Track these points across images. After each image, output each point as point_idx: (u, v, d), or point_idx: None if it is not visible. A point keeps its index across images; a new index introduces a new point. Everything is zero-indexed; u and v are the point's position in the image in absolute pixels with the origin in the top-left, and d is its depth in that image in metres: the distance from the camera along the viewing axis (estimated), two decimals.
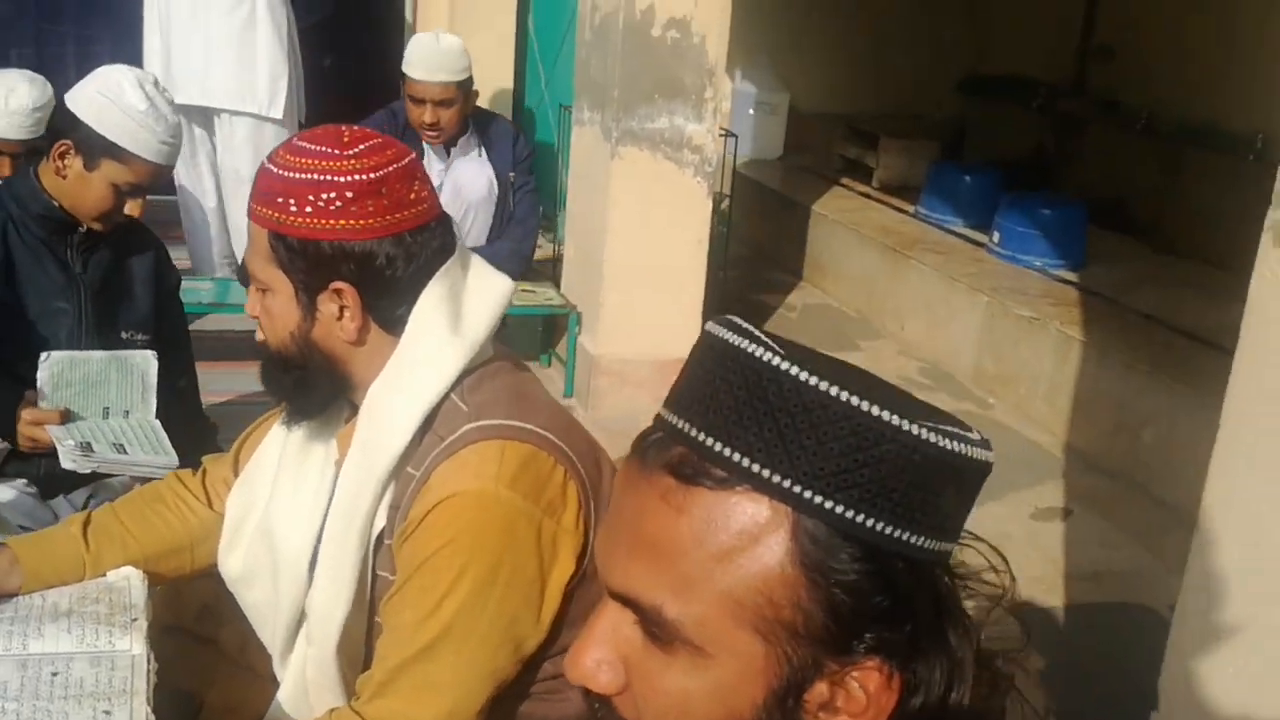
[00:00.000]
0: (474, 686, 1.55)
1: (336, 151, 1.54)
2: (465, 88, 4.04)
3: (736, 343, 0.78)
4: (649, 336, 4.07)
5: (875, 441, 0.74)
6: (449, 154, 4.21)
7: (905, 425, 0.75)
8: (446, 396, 1.59)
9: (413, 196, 1.57)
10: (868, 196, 6.31)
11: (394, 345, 1.61)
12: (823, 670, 0.78)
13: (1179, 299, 4.72)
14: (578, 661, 0.82)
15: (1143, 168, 5.99)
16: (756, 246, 6.27)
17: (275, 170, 1.55)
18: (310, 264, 1.56)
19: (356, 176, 1.53)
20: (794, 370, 0.75)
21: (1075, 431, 4.28)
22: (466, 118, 4.14)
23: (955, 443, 0.77)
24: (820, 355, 0.79)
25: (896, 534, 0.75)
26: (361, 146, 1.56)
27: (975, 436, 0.79)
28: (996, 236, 5.32)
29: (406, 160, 1.58)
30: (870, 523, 0.75)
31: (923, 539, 0.76)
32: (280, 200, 1.53)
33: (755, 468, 0.75)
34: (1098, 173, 6.29)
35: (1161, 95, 5.81)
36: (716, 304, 4.33)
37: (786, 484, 0.74)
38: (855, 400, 0.74)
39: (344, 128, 1.61)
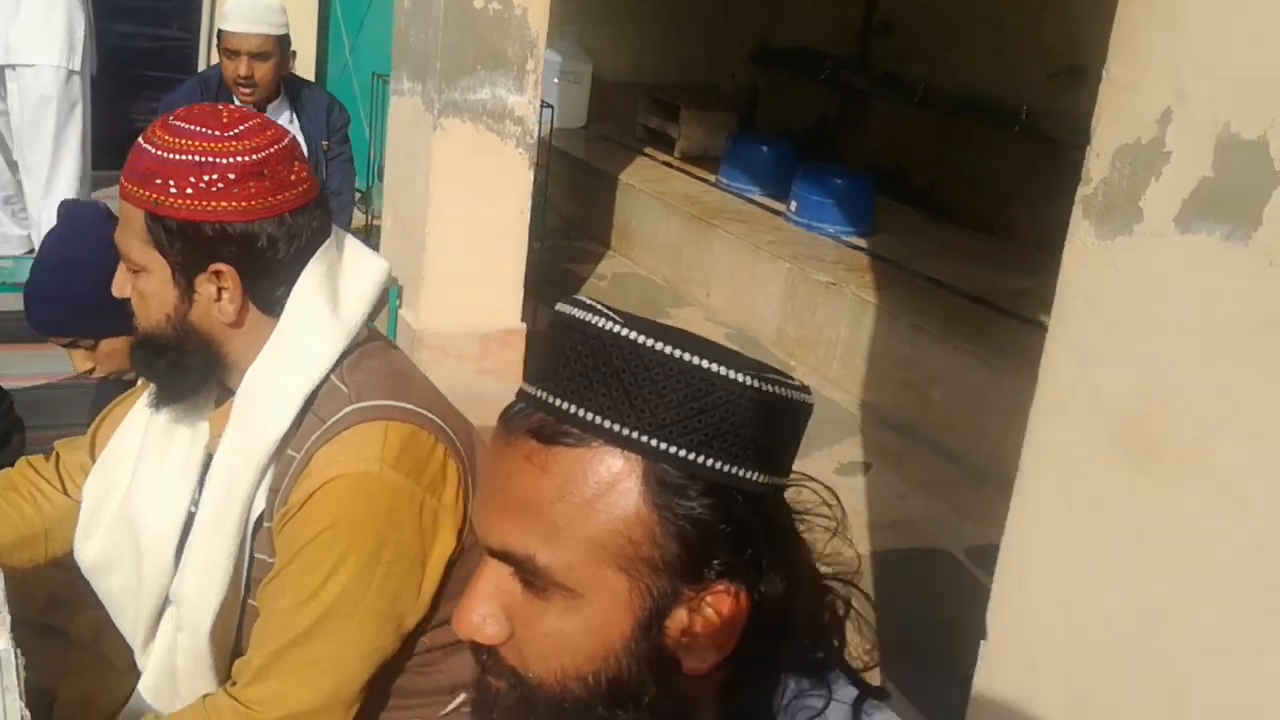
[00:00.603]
0: (356, 666, 1.57)
1: (216, 133, 1.52)
2: (283, 44, 3.96)
3: (581, 316, 0.87)
4: (471, 309, 4.11)
5: (707, 391, 0.85)
6: None
7: (733, 375, 0.86)
8: (326, 378, 1.58)
9: (293, 177, 1.56)
10: (670, 166, 6.47)
11: (272, 327, 1.59)
12: (680, 598, 0.87)
13: (960, 264, 5.05)
14: (465, 618, 0.90)
15: (920, 138, 6.33)
16: (565, 216, 6.35)
17: (152, 150, 1.51)
18: (189, 246, 1.53)
19: (238, 158, 1.51)
20: (632, 335, 0.85)
21: (870, 390, 4.53)
22: (280, 81, 4.06)
23: (778, 388, 0.88)
24: (655, 323, 0.89)
25: (732, 470, 0.85)
26: (242, 127, 1.54)
27: (795, 382, 0.91)
28: (794, 205, 5.55)
29: (286, 140, 1.57)
30: (709, 462, 0.85)
31: (755, 474, 0.87)
32: (159, 181, 1.50)
33: (606, 424, 0.84)
34: (880, 142, 6.62)
35: (937, 69, 6.15)
36: (533, 276, 4.39)
37: (634, 435, 0.84)
38: (688, 356, 0.85)
39: (221, 107, 1.59)
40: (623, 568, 0.86)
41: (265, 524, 1.58)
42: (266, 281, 1.56)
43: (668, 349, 0.84)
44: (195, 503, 1.65)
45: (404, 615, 1.58)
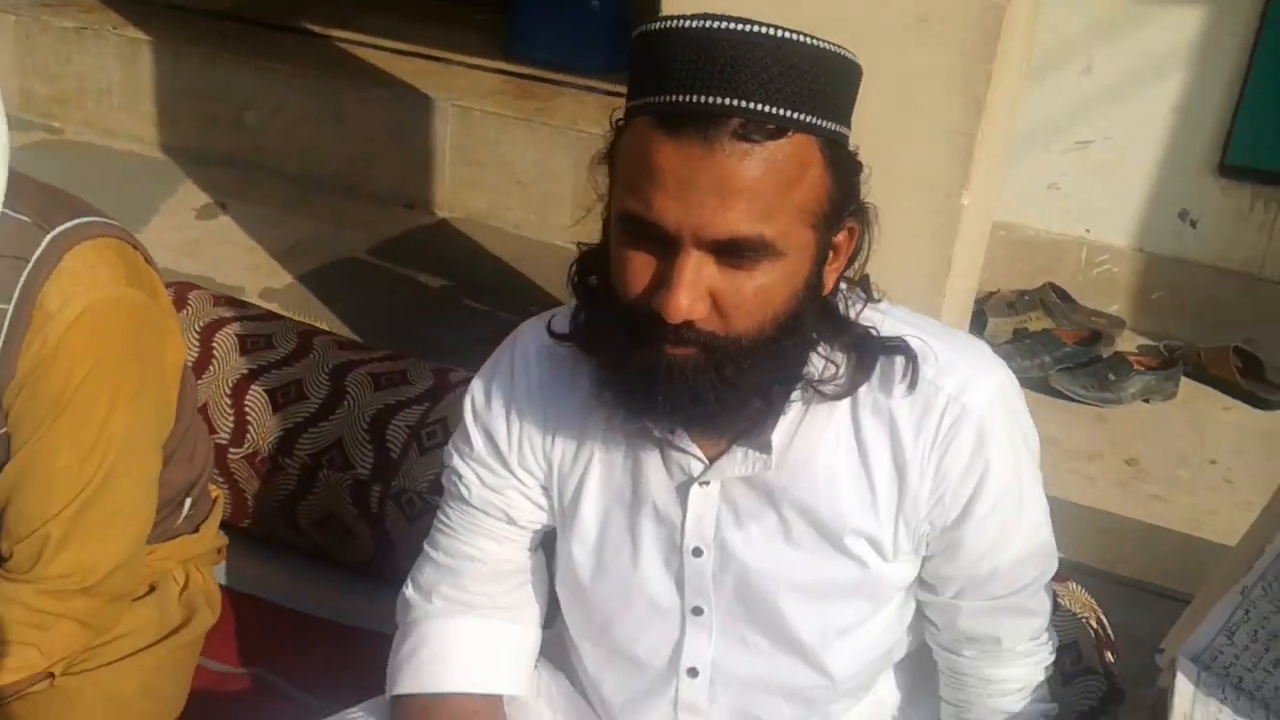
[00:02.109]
0: (148, 500, 1.54)
1: None
2: None
3: (739, 27, 1.05)
4: None
5: (845, 70, 1.10)
6: None
7: (838, 50, 1.09)
8: None
9: None
10: None
11: None
12: (833, 238, 1.18)
13: None
14: (675, 305, 1.07)
15: None
16: None
17: None
18: None
19: None
20: (788, 34, 1.06)
21: (171, 133, 4.44)
22: None
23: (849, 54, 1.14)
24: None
25: (846, 131, 1.14)
26: None
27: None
28: None
29: None
30: (844, 130, 1.13)
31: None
32: None
33: (793, 114, 1.07)
34: None
35: None
36: None
37: (813, 120, 1.08)
38: (822, 44, 1.07)
39: None
40: (813, 225, 1.11)
41: None
42: None
43: (806, 40, 1.06)
44: None
45: (165, 428, 1.59)
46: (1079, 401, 3.07)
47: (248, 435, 2.12)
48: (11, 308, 1.36)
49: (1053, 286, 3.41)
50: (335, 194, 4.14)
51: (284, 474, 2.11)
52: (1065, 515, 2.49)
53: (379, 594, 2.09)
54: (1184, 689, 1.35)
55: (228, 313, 2.27)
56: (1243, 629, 1.38)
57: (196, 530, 1.78)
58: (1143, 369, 3.12)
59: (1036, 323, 3.29)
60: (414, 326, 3.34)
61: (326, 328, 3.01)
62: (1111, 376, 3.06)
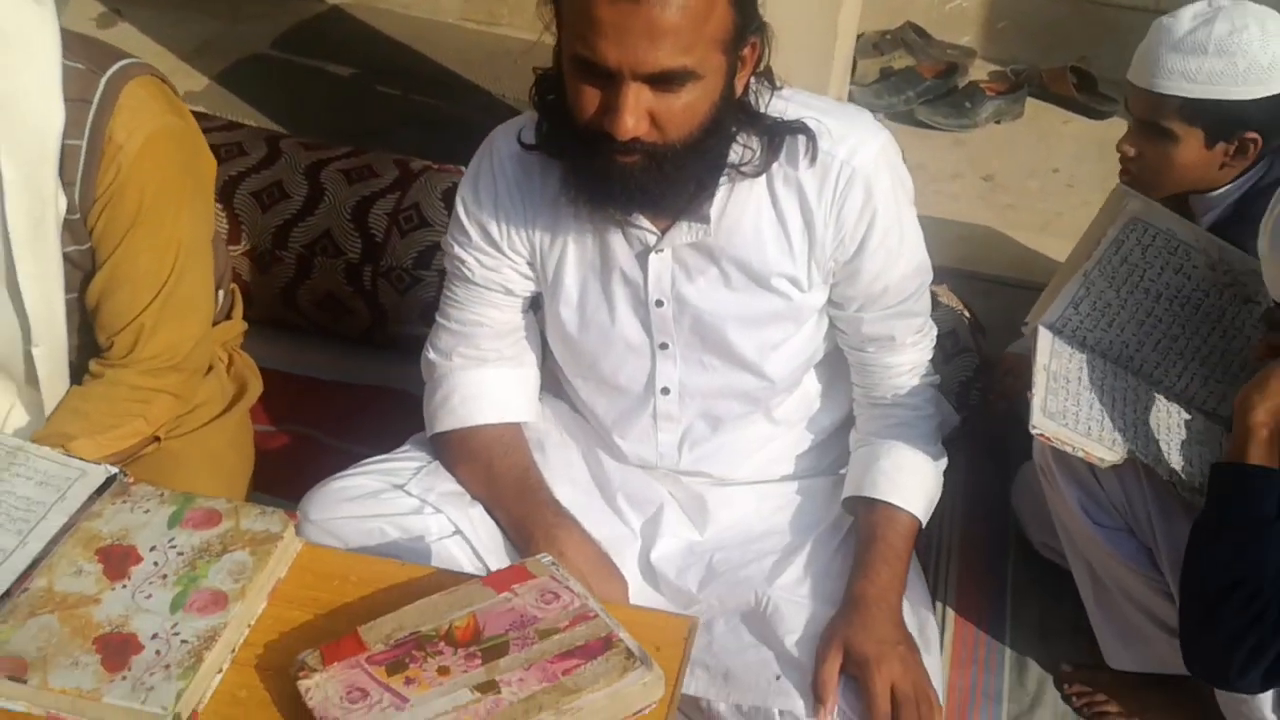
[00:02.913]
0: (210, 287, 1.91)
1: None
2: None
3: None
4: None
5: None
6: None
7: None
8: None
9: None
10: None
11: None
12: (740, 54, 1.47)
13: None
14: (623, 127, 1.39)
15: None
16: None
17: None
18: None
19: None
20: None
21: None
22: None
23: None
24: None
25: None
26: None
27: None
28: None
29: None
30: None
31: None
32: None
33: None
34: None
35: None
36: None
37: None
38: None
39: None
40: (723, 50, 1.42)
41: (70, 217, 1.69)
42: None
43: None
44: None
45: (211, 232, 1.92)
46: (940, 130, 3.53)
47: (243, 233, 2.47)
48: (85, 143, 1.66)
49: (911, 25, 3.81)
50: None
51: (282, 264, 2.49)
52: (935, 229, 3.01)
53: (379, 356, 2.53)
54: (1044, 345, 1.84)
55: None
56: (1085, 302, 1.88)
57: (229, 317, 2.14)
58: (993, 94, 3.58)
59: (900, 61, 3.71)
60: (336, 116, 3.61)
61: (257, 125, 3.34)
62: (967, 104, 3.52)
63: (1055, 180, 3.38)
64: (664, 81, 1.42)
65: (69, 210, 1.68)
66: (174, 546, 1.39)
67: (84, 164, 1.66)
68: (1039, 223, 3.13)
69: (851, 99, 3.60)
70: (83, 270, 1.75)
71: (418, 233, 2.43)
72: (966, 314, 2.33)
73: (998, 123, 3.57)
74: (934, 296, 2.25)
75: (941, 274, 2.59)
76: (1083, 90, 3.64)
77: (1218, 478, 1.54)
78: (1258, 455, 1.47)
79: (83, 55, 1.68)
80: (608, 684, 1.22)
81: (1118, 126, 3.54)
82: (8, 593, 1.34)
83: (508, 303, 1.79)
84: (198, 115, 2.68)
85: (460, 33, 4.16)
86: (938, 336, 1.89)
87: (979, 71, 3.81)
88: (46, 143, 1.63)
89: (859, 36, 3.80)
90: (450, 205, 2.35)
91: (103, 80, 1.67)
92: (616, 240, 1.67)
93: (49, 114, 1.62)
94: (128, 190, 1.69)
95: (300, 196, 2.48)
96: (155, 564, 1.36)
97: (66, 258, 1.72)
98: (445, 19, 4.21)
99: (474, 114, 3.63)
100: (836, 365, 1.85)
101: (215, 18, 4.16)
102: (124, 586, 1.34)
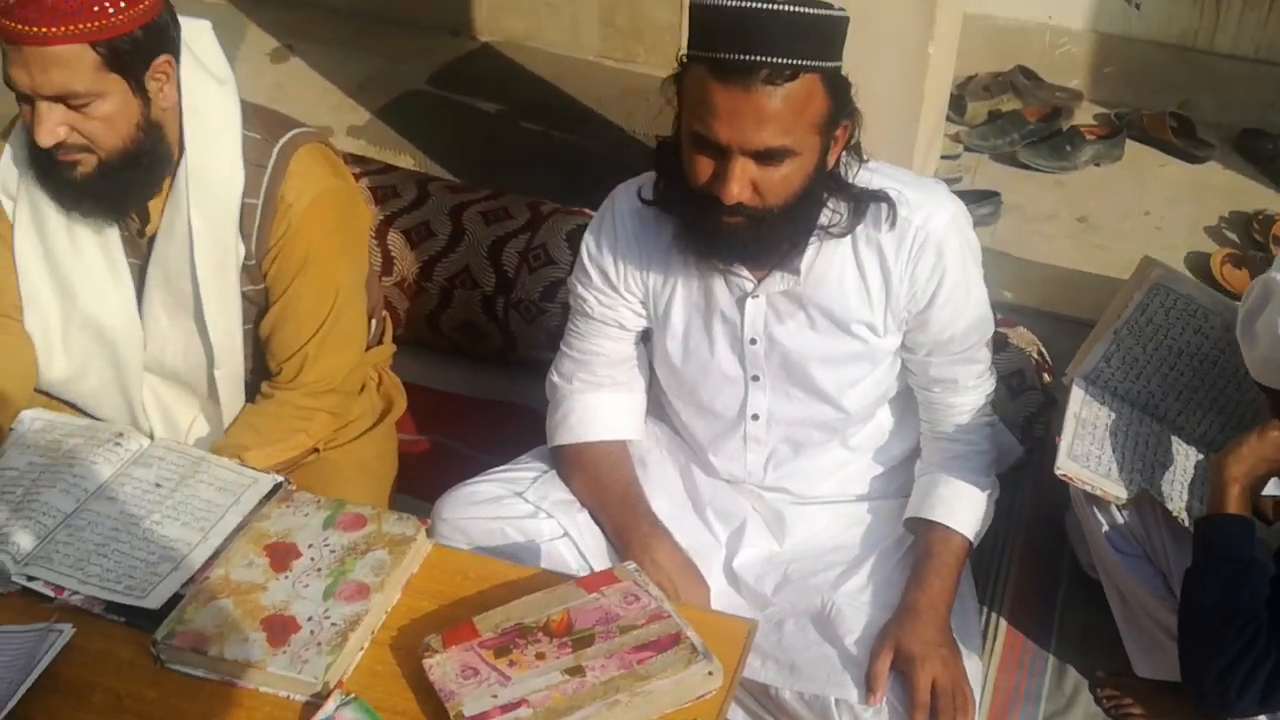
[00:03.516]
0: (363, 322, 2.13)
1: None
2: None
3: (752, 4, 1.55)
4: None
5: (831, 27, 1.62)
6: None
7: (831, 13, 1.63)
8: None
9: None
10: None
11: (175, 101, 1.84)
12: (834, 134, 1.75)
13: None
14: (729, 194, 1.61)
15: None
16: None
17: None
18: (139, 52, 1.73)
19: None
20: (789, 8, 1.58)
21: None
22: None
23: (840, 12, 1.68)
24: None
25: (839, 64, 1.68)
26: None
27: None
28: None
29: None
30: (838, 64, 1.68)
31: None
32: (95, 9, 1.66)
33: (803, 62, 1.60)
34: None
35: None
36: None
37: (816, 64, 1.63)
38: (807, 10, 1.60)
39: None
40: (819, 131, 1.64)
41: (248, 263, 1.97)
42: (176, 60, 1.82)
43: (809, 10, 1.59)
44: (137, 288, 2.00)
45: (365, 274, 2.17)
46: (1041, 171, 3.65)
47: (395, 267, 2.77)
48: (260, 202, 1.93)
49: (1021, 68, 3.95)
50: (388, 26, 4.62)
51: (427, 294, 2.77)
52: (1021, 270, 3.18)
53: (509, 375, 2.80)
54: (1076, 396, 2.03)
55: (357, 169, 2.87)
56: (1115, 357, 2.06)
57: (380, 342, 2.40)
58: (1094, 138, 3.69)
59: (1007, 104, 3.84)
60: (482, 151, 3.88)
61: (413, 161, 3.65)
62: (1068, 148, 3.64)
63: (1146, 222, 3.46)
64: (766, 157, 1.64)
65: (246, 257, 1.97)
66: (327, 545, 1.65)
67: (260, 219, 1.94)
68: (1125, 264, 3.19)
69: (959, 140, 3.76)
70: (257, 306, 2.03)
71: (544, 269, 2.69)
72: (1035, 355, 2.49)
73: (1097, 165, 3.67)
74: (1005, 338, 2.44)
75: (1021, 313, 2.76)
76: (1181, 135, 3.71)
77: (1200, 529, 1.72)
78: (1234, 506, 1.65)
79: (259, 126, 1.95)
80: (674, 673, 1.44)
81: (1213, 171, 3.65)
82: (192, 579, 1.62)
83: (622, 336, 2.02)
84: (358, 157, 3.02)
85: (598, 70, 4.40)
86: (1006, 374, 2.06)
87: (1085, 114, 3.91)
88: (229, 202, 1.92)
89: (971, 78, 3.95)
90: (574, 246, 2.62)
91: (276, 148, 1.94)
92: (718, 285, 1.89)
93: (232, 178, 1.91)
94: (296, 242, 1.96)
95: (444, 235, 2.76)
96: (312, 559, 1.63)
97: (244, 296, 2.01)
98: (585, 56, 4.46)
99: (607, 150, 3.89)
100: (908, 401, 2.04)
101: (377, 55, 4.47)
102: (286, 577, 1.60)
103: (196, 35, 1.88)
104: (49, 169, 1.83)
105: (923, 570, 1.89)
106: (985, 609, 2.22)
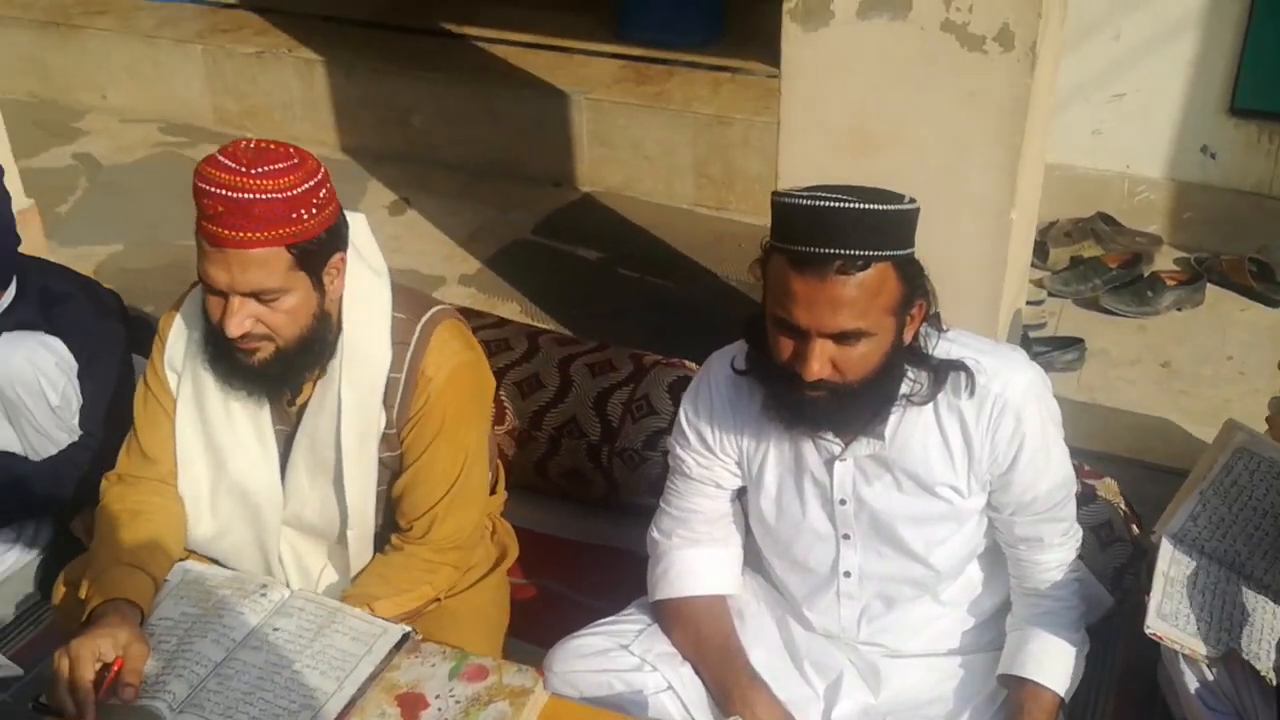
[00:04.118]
0: (486, 480, 2.29)
1: (295, 160, 1.85)
2: None
3: (835, 203, 1.70)
4: None
5: (900, 220, 1.75)
6: None
7: (901, 207, 1.76)
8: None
9: None
10: None
11: (340, 290, 1.99)
12: (909, 314, 1.86)
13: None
14: (810, 372, 1.71)
15: None
16: None
17: (257, 196, 1.78)
18: (324, 252, 1.90)
19: (319, 170, 1.87)
20: (862, 205, 1.71)
21: (350, 136, 5.18)
22: None
23: (912, 204, 1.81)
24: (859, 188, 1.73)
25: (911, 251, 1.81)
26: (291, 149, 1.85)
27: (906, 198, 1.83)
28: None
29: None
30: (910, 251, 1.80)
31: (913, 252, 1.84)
32: (292, 216, 1.81)
33: (877, 253, 1.73)
34: None
35: None
36: None
37: (889, 253, 1.75)
38: (879, 206, 1.72)
39: (246, 143, 1.86)
40: (893, 313, 1.75)
41: (387, 432, 2.09)
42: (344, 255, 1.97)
43: (877, 207, 1.72)
44: (282, 453, 2.12)
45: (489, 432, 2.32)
46: (1124, 316, 3.70)
47: (507, 416, 2.89)
48: (404, 376, 2.07)
49: (1101, 215, 4.02)
50: (496, 179, 4.85)
51: (536, 442, 2.89)
52: (1107, 418, 3.21)
53: (612, 520, 2.89)
54: (1164, 554, 2.08)
55: (473, 323, 3.00)
56: (1201, 516, 2.11)
57: (494, 491, 2.51)
58: (1175, 284, 3.74)
59: (1089, 250, 3.91)
60: (584, 298, 4.04)
61: (519, 307, 3.80)
62: (1149, 293, 3.69)
63: (1228, 367, 3.49)
64: (843, 338, 1.74)
65: (387, 426, 2.10)
66: (453, 695, 1.75)
67: (401, 392, 2.07)
68: (1208, 410, 3.25)
69: (1042, 285, 3.83)
70: (391, 470, 2.15)
71: (647, 419, 2.80)
72: (1122, 507, 2.53)
73: (1179, 310, 3.71)
74: (1092, 490, 2.48)
75: (1111, 461, 2.80)
76: (1260, 279, 3.75)
77: None
78: None
79: (404, 306, 2.10)
80: None
81: None
82: None
83: (718, 494, 2.11)
84: (473, 312, 3.18)
85: (692, 218, 4.57)
86: (1094, 526, 2.10)
87: (1164, 258, 3.97)
88: (377, 377, 2.06)
89: (1053, 224, 4.04)
90: (675, 396, 2.73)
91: (419, 326, 2.08)
92: (808, 449, 1.98)
93: (381, 356, 2.05)
94: (433, 412, 2.09)
95: (553, 387, 2.89)
96: (439, 709, 1.73)
97: (380, 462, 2.13)
98: (680, 204, 4.64)
99: (700, 296, 4.03)
100: (998, 555, 2.09)
101: (488, 205, 4.69)
102: None
103: (356, 228, 2.04)
104: (225, 354, 1.98)
105: None
106: None
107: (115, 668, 1.74)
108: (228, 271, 1.84)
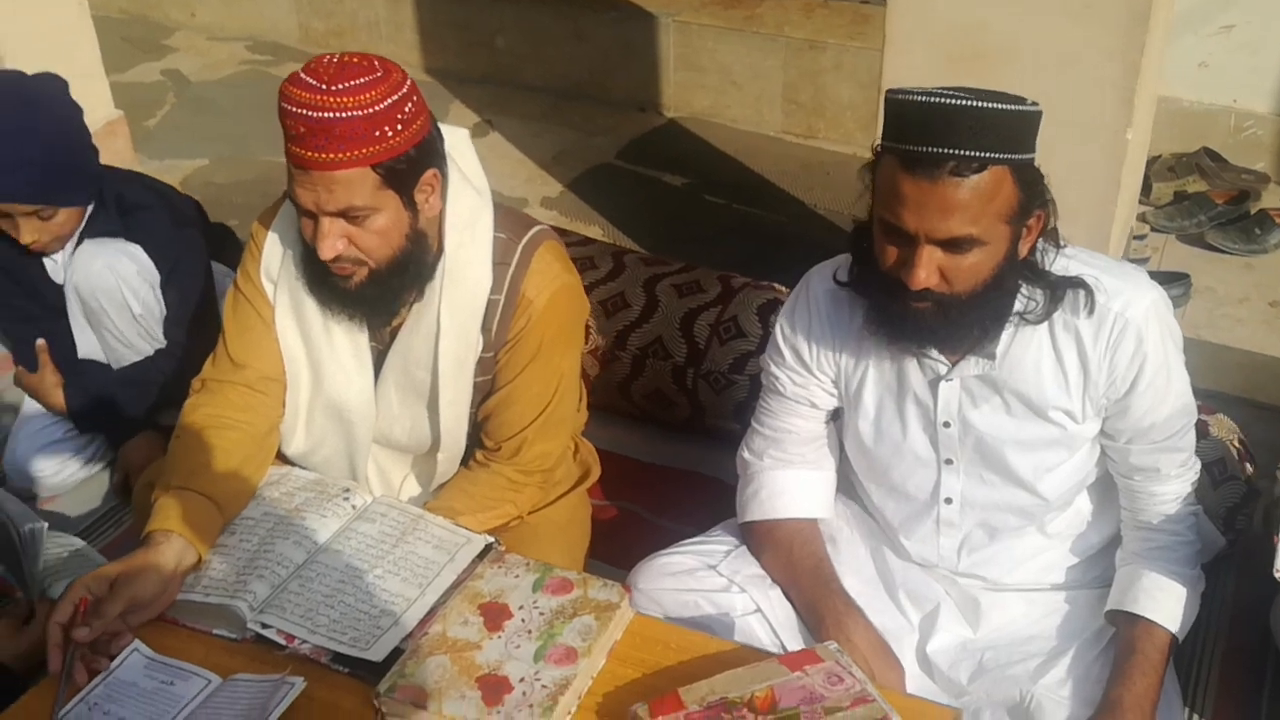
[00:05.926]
0: (574, 406, 2.19)
1: (379, 73, 1.74)
2: None
3: (952, 101, 1.56)
4: None
5: (1020, 120, 1.61)
6: None
7: (1023, 107, 1.62)
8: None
9: None
10: None
11: (440, 209, 1.89)
12: (1026, 224, 1.72)
13: None
14: (917, 279, 1.60)
15: None
16: None
17: (338, 115, 1.67)
18: (412, 170, 1.78)
19: (405, 80, 1.75)
20: (980, 104, 1.57)
21: (435, 58, 5.08)
22: None
23: (1030, 106, 1.66)
24: (973, 89, 1.59)
25: (1030, 156, 1.67)
26: (375, 61, 1.78)
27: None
28: None
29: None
30: (1030, 156, 1.66)
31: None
32: (375, 134, 1.69)
33: (992, 155, 1.59)
34: None
35: None
36: None
37: (1006, 156, 1.61)
38: (1000, 105, 1.58)
39: (325, 58, 1.73)
40: (1008, 221, 1.63)
41: (483, 355, 2.00)
42: (440, 172, 1.85)
43: (997, 106, 1.58)
44: (376, 373, 2.03)
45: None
46: (1230, 254, 3.51)
47: (590, 335, 2.79)
48: (503, 298, 1.97)
49: (1206, 150, 3.81)
50: (580, 102, 4.73)
51: (619, 363, 2.78)
52: (1217, 355, 3.04)
53: (695, 443, 2.79)
54: None
55: None
56: None
57: (578, 410, 2.42)
58: None
59: (1194, 185, 3.71)
60: (669, 223, 3.92)
61: (602, 232, 3.69)
62: (1257, 231, 3.49)
63: None
64: (953, 246, 1.62)
65: (484, 349, 2.00)
66: (537, 607, 1.66)
67: (500, 314, 1.97)
68: None
69: (1145, 220, 3.63)
70: (482, 393, 2.07)
71: (735, 342, 2.68)
72: (1236, 444, 2.37)
73: None
74: (1205, 426, 2.32)
75: (1219, 399, 2.64)
76: None
77: None
78: None
79: (505, 226, 1.99)
80: None
81: None
82: (410, 634, 1.64)
83: (813, 414, 1.99)
84: (557, 229, 3.05)
85: (780, 145, 4.42)
86: (1206, 464, 1.95)
87: (1271, 195, 3.76)
88: (478, 301, 1.96)
89: (1156, 159, 3.83)
90: (764, 319, 2.60)
91: (519, 247, 1.97)
92: (911, 367, 1.86)
93: (483, 279, 1.95)
94: (531, 335, 1.99)
95: (639, 306, 2.77)
96: (523, 620, 1.64)
97: (475, 386, 2.04)
98: (768, 132, 4.48)
99: (788, 223, 3.89)
100: (1107, 488, 1.96)
101: (572, 129, 4.58)
102: (499, 637, 1.61)
103: (457, 144, 1.93)
104: (323, 279, 1.88)
105: (1126, 666, 1.80)
106: (1187, 709, 2.10)
107: (81, 607, 1.60)
108: (314, 192, 1.75)
